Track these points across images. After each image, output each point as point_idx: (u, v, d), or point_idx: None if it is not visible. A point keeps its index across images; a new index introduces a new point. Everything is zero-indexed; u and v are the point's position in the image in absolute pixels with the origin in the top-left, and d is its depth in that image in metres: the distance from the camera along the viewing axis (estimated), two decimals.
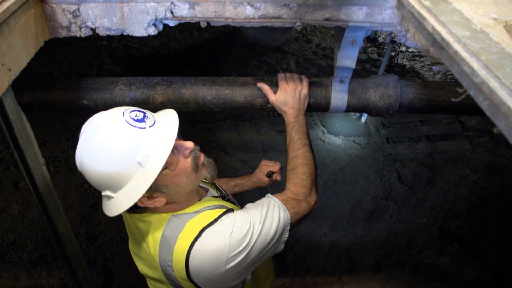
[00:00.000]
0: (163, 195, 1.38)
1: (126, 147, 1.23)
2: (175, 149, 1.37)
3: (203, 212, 1.45)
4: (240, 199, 1.99)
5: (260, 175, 2.05)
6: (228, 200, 1.70)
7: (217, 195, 1.72)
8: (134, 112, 1.31)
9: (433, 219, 4.07)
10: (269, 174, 2.01)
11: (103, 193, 1.35)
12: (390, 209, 4.19)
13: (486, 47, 0.91)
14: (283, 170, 1.92)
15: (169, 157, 1.30)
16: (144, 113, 1.33)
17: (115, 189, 1.31)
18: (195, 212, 1.45)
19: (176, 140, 1.36)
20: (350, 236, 3.92)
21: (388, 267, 3.69)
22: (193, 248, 1.33)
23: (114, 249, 3.71)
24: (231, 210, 1.50)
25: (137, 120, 1.28)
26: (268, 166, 2.05)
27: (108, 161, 1.24)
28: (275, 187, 1.86)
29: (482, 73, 0.83)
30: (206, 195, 1.66)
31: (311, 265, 3.67)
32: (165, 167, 1.31)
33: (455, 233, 3.94)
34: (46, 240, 3.77)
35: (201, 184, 1.75)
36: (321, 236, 3.89)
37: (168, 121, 1.37)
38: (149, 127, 1.29)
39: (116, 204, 1.32)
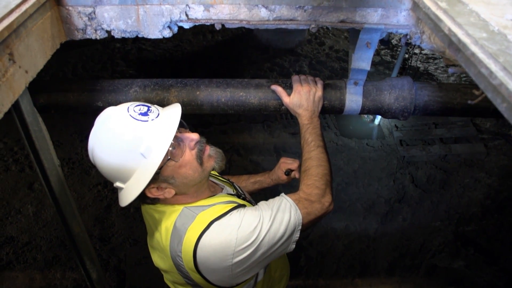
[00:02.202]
0: (171, 186, 1.42)
1: (129, 139, 1.30)
2: (181, 141, 1.41)
3: (214, 206, 1.47)
4: (255, 196, 2.00)
5: (279, 173, 2.07)
6: (244, 199, 1.71)
7: (233, 193, 1.73)
8: (139, 106, 1.37)
9: (448, 223, 4.04)
10: (288, 172, 2.03)
11: (115, 185, 1.40)
12: (404, 212, 4.16)
13: (504, 48, 0.90)
14: None
15: (174, 149, 1.36)
16: (148, 107, 1.39)
17: (124, 180, 1.36)
18: (207, 205, 1.47)
19: (182, 132, 1.43)
20: (363, 239, 3.90)
21: (401, 270, 3.66)
22: (201, 239, 1.36)
23: (127, 251, 3.73)
24: (243, 206, 1.51)
25: (141, 114, 1.34)
26: (286, 163, 2.06)
27: (114, 152, 1.31)
28: (290, 188, 1.85)
29: (500, 75, 0.82)
30: (222, 192, 1.68)
31: (324, 268, 3.66)
32: (169, 158, 1.35)
33: (470, 236, 3.90)
34: (60, 241, 3.80)
35: (217, 182, 1.78)
36: (334, 239, 3.88)
37: (171, 114, 1.40)
38: (152, 120, 1.34)
39: (126, 194, 1.36)
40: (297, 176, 2.02)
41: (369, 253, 3.79)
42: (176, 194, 1.44)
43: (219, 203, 1.50)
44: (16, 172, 4.48)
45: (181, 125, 1.43)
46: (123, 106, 1.36)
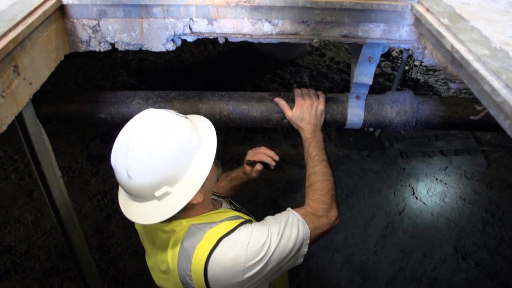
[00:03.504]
0: (202, 189, 1.37)
1: (181, 132, 1.30)
2: None
3: (223, 222, 1.46)
4: (251, 207, 1.99)
5: (245, 167, 1.96)
6: (243, 213, 1.72)
7: (231, 208, 1.74)
8: (170, 109, 1.39)
9: (448, 236, 4.03)
10: (249, 162, 1.89)
11: (158, 193, 1.31)
12: (404, 225, 4.14)
13: (507, 66, 0.90)
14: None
15: None
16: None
17: (173, 181, 1.31)
18: (215, 222, 1.47)
19: None
20: (363, 251, 3.89)
21: (402, 283, 3.64)
22: (211, 257, 1.35)
23: (126, 262, 3.71)
24: (249, 221, 1.51)
25: (178, 114, 1.37)
26: (249, 155, 1.93)
27: (167, 149, 1.27)
28: (295, 200, 1.84)
29: (503, 92, 0.83)
30: (222, 207, 1.68)
31: (324, 281, 3.64)
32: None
33: (471, 250, 3.89)
34: (59, 250, 3.78)
35: (216, 198, 1.78)
36: (334, 251, 3.86)
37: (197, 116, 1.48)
38: (187, 118, 1.38)
39: (175, 198, 1.32)
40: (258, 168, 1.91)
41: (370, 265, 3.78)
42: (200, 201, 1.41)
43: (226, 219, 1.50)
44: (16, 181, 4.47)
45: None
46: (157, 110, 1.36)
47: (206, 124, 1.42)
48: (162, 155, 1.26)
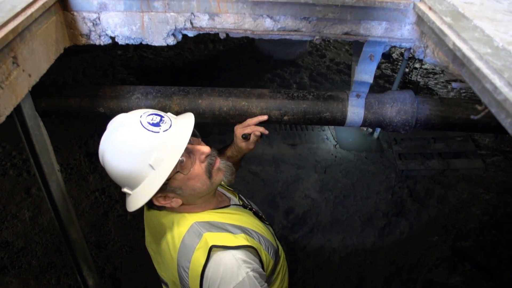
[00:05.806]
0: (178, 197, 1.42)
1: (138, 150, 1.29)
2: (191, 153, 1.40)
3: (225, 233, 1.45)
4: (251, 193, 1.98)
5: (238, 143, 1.89)
6: (250, 209, 1.72)
7: (239, 203, 1.73)
8: (151, 116, 1.36)
9: (445, 238, 4.02)
10: (245, 136, 1.84)
11: (123, 190, 1.40)
12: (401, 226, 4.14)
13: (509, 64, 0.90)
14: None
15: (183, 161, 1.35)
16: (162, 117, 1.37)
17: (132, 187, 1.36)
18: (215, 226, 1.46)
19: (193, 143, 1.41)
20: (360, 252, 3.88)
21: (398, 284, 3.64)
22: (209, 263, 1.35)
23: (123, 258, 3.70)
24: (254, 248, 1.47)
25: (153, 124, 1.32)
26: (241, 130, 1.86)
27: (124, 161, 1.31)
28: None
29: (505, 90, 0.82)
30: (229, 203, 1.68)
31: (320, 281, 3.63)
32: (177, 171, 1.35)
33: (467, 252, 3.89)
34: (56, 246, 3.77)
35: (225, 192, 1.77)
36: (331, 251, 3.86)
37: (183, 126, 1.39)
38: (163, 131, 1.32)
39: (133, 200, 1.36)
40: (257, 133, 1.85)
41: (366, 266, 3.78)
42: (183, 204, 1.44)
43: (229, 226, 1.49)
44: (14, 177, 4.46)
45: (193, 134, 1.41)
46: (136, 114, 1.35)
47: (179, 141, 1.34)
48: (113, 165, 1.33)
